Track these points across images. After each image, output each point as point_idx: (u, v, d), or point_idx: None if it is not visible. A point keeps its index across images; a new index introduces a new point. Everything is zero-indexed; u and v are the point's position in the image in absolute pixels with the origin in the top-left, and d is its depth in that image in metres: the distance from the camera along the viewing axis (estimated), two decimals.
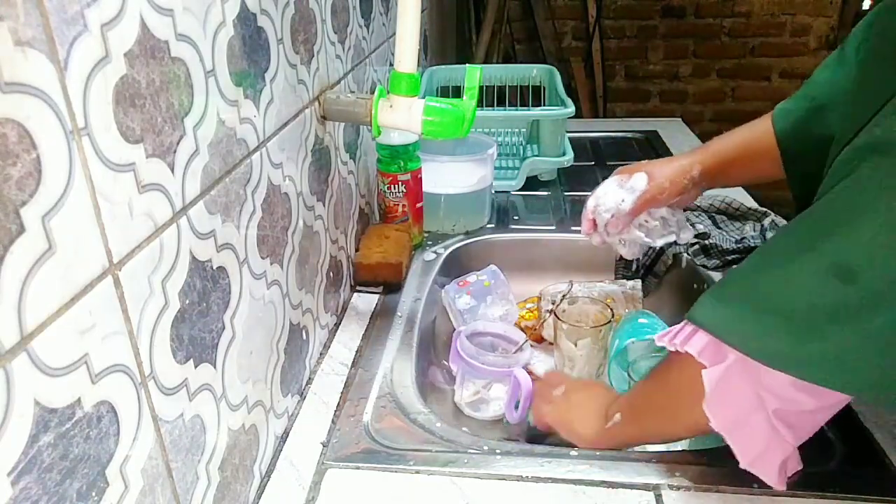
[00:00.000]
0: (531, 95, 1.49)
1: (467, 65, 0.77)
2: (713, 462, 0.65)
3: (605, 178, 0.88)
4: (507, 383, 0.81)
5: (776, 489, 0.58)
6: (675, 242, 0.89)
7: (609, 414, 0.69)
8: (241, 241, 0.59)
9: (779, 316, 0.51)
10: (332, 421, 0.72)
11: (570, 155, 1.28)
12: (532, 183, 1.30)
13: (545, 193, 1.29)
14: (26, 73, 0.33)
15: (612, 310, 0.89)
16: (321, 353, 0.83)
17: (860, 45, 0.66)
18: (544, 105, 1.45)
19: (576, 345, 0.86)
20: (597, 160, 1.46)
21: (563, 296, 0.90)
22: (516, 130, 1.38)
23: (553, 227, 1.14)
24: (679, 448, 0.80)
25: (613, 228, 0.84)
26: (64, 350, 0.36)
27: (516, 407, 0.80)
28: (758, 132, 0.80)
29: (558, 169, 1.32)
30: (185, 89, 0.48)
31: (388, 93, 0.75)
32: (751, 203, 1.11)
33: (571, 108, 1.25)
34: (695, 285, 0.99)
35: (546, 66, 1.51)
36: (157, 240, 0.45)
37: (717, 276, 0.97)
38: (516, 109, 1.38)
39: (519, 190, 1.28)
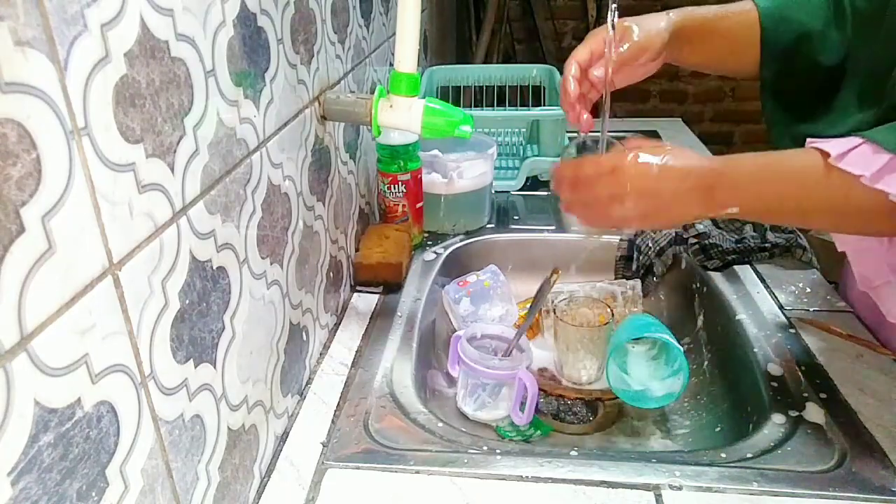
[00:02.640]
0: (531, 95, 1.49)
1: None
2: (713, 462, 0.65)
3: None
4: (511, 386, 0.81)
5: None
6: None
7: (718, 200, 0.62)
8: (241, 241, 0.59)
9: None
10: (332, 421, 0.72)
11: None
12: (532, 183, 1.30)
13: (545, 193, 1.29)
14: (26, 73, 0.33)
15: (611, 310, 0.89)
16: (321, 353, 0.83)
17: None
18: (544, 105, 1.45)
19: (576, 345, 0.86)
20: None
21: (565, 298, 0.91)
22: (516, 130, 1.38)
23: (553, 227, 1.14)
24: (679, 448, 0.81)
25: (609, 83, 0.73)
26: (64, 350, 0.36)
27: (522, 409, 0.80)
28: (734, 7, 0.79)
29: None
30: (185, 89, 0.48)
31: (388, 93, 0.76)
32: None
33: None
34: (695, 285, 0.99)
35: (546, 66, 1.51)
36: (157, 240, 0.45)
37: (717, 276, 0.97)
38: (516, 109, 1.38)
39: (519, 190, 1.29)
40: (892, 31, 0.66)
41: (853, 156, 0.58)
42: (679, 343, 0.96)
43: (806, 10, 0.75)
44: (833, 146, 0.59)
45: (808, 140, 0.62)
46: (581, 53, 0.75)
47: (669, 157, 0.63)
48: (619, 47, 0.73)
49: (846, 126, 0.66)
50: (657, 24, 0.75)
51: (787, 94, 0.77)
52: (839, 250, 0.78)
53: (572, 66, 0.74)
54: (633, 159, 0.64)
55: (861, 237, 0.74)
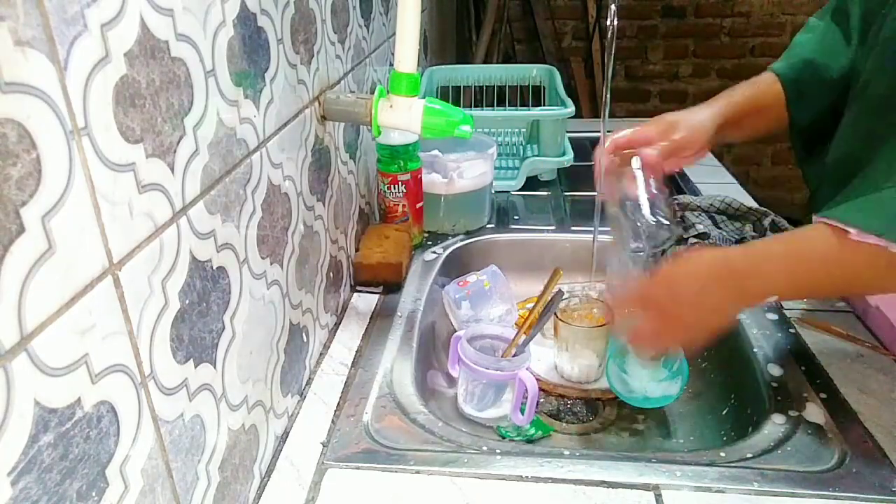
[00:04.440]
0: (531, 95, 1.49)
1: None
2: (713, 462, 0.65)
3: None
4: (512, 386, 0.81)
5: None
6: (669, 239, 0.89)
7: (751, 293, 0.64)
8: (241, 241, 0.59)
9: None
10: (332, 421, 0.72)
11: (570, 155, 1.28)
12: (532, 183, 1.30)
13: (545, 193, 1.29)
14: (26, 73, 0.33)
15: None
16: (321, 353, 0.83)
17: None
18: (544, 105, 1.45)
19: (576, 344, 0.86)
20: None
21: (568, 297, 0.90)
22: (516, 130, 1.38)
23: (553, 227, 1.14)
24: (679, 448, 0.81)
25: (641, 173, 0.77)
26: (64, 350, 0.36)
27: (522, 410, 0.80)
28: (761, 85, 0.86)
29: (558, 169, 1.32)
30: (184, 89, 0.48)
31: (388, 93, 0.75)
32: (751, 203, 1.11)
33: (571, 108, 1.25)
34: None
35: (546, 66, 1.51)
36: (157, 240, 0.45)
37: None
38: (516, 109, 1.37)
39: (519, 190, 1.29)
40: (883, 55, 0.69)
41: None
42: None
43: (824, 56, 0.81)
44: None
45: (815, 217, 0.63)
46: (621, 136, 0.80)
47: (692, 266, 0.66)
48: (661, 141, 0.79)
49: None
50: (701, 120, 0.81)
51: (817, 137, 0.83)
52: (872, 305, 0.80)
53: (609, 144, 0.79)
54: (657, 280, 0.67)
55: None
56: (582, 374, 0.88)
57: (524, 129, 1.34)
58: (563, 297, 0.88)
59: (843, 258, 0.60)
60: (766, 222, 1.04)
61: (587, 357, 0.87)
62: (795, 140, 0.86)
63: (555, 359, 0.91)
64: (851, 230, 0.58)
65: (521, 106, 1.43)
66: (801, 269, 0.63)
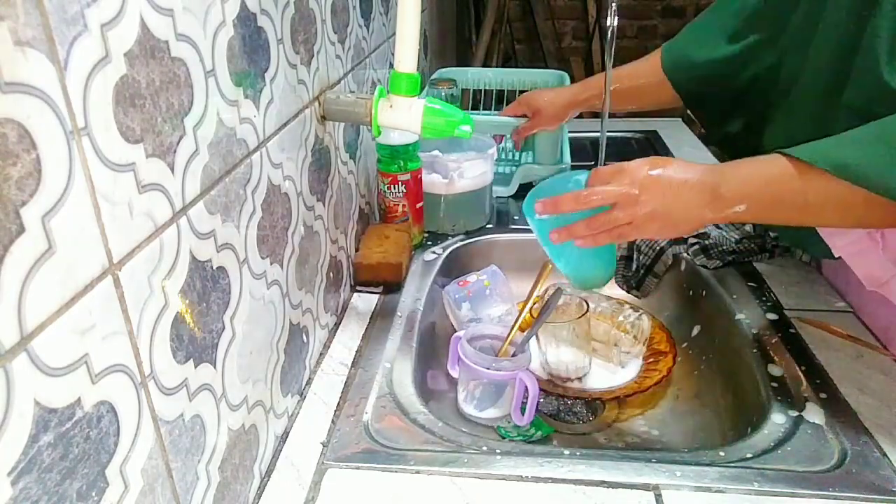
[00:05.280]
0: None
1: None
2: (713, 462, 0.65)
3: None
4: (512, 386, 0.81)
5: None
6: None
7: (725, 199, 0.64)
8: (241, 241, 0.59)
9: None
10: (332, 421, 0.72)
11: (567, 162, 1.26)
12: (530, 187, 1.29)
13: None
14: (26, 73, 0.33)
15: (586, 302, 0.89)
16: (321, 353, 0.83)
17: None
18: None
19: (558, 341, 0.87)
20: (596, 160, 1.46)
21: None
22: (510, 136, 1.37)
23: None
24: (679, 448, 0.81)
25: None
26: (64, 350, 0.36)
27: (522, 410, 0.80)
28: (641, 71, 1.02)
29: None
30: (185, 89, 0.48)
31: (388, 93, 0.76)
32: None
33: None
34: (695, 285, 0.99)
35: (558, 71, 1.49)
36: (157, 240, 0.45)
37: (717, 276, 0.97)
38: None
39: (518, 191, 1.28)
40: (825, 43, 0.73)
41: None
42: (679, 344, 0.96)
43: (707, 44, 0.92)
44: None
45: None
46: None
47: (673, 165, 0.67)
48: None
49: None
50: (560, 102, 1.10)
51: (711, 111, 0.97)
52: (836, 256, 0.79)
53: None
54: (638, 163, 0.67)
55: (854, 241, 0.76)
56: (570, 368, 0.88)
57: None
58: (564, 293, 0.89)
59: (797, 177, 0.62)
60: None
61: (573, 351, 0.87)
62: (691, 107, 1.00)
63: (540, 357, 0.91)
64: (796, 157, 0.62)
65: None
66: (774, 193, 0.64)
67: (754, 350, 0.81)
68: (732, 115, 0.92)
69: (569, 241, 0.70)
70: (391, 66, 0.75)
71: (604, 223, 0.67)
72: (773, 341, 0.82)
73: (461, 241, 1.11)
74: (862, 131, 0.61)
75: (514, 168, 1.31)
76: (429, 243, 1.10)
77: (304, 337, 0.77)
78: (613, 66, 0.75)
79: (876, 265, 0.76)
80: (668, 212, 0.66)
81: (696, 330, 0.96)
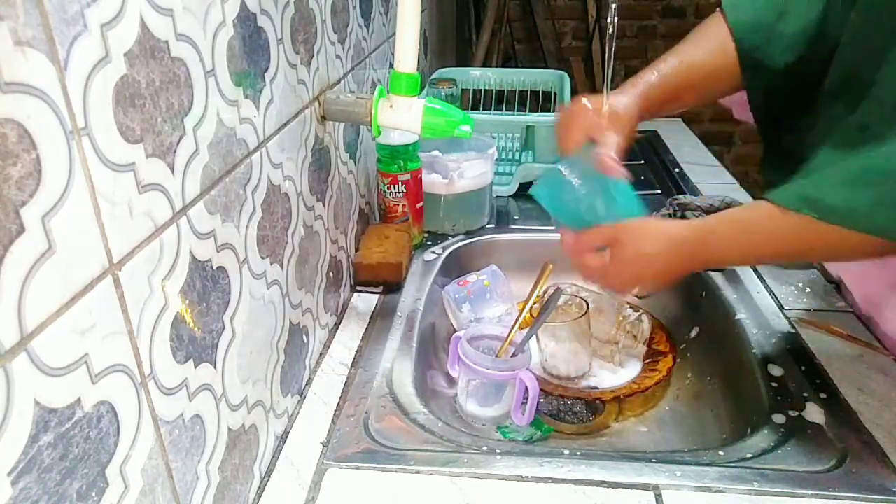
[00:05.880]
0: (541, 100, 1.48)
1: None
2: (713, 462, 0.65)
3: None
4: (512, 386, 0.81)
5: None
6: None
7: (707, 264, 0.69)
8: (241, 241, 0.59)
9: None
10: (332, 421, 0.72)
11: None
12: (527, 188, 1.29)
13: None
14: (26, 73, 0.33)
15: (586, 302, 0.89)
16: (321, 353, 0.83)
17: None
18: (554, 111, 1.44)
19: (555, 342, 0.87)
20: None
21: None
22: (510, 136, 1.37)
23: (553, 228, 1.14)
24: (679, 448, 0.81)
25: None
26: (64, 350, 0.36)
27: (523, 411, 0.79)
28: (704, 46, 0.78)
29: None
30: (184, 89, 0.48)
31: (388, 93, 0.76)
32: None
33: None
34: (694, 285, 0.99)
35: (558, 71, 1.49)
36: (157, 240, 0.45)
37: (717, 276, 0.97)
38: (512, 114, 1.37)
39: (518, 191, 1.28)
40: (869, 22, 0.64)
41: None
42: (679, 344, 0.96)
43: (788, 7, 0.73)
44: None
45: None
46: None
47: (648, 244, 0.68)
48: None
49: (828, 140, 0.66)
50: (625, 105, 0.74)
51: (776, 108, 0.77)
52: (835, 276, 0.80)
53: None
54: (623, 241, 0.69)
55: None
56: (571, 367, 0.88)
57: (518, 135, 1.33)
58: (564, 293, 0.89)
59: (778, 229, 0.63)
60: None
61: (574, 350, 0.88)
62: (757, 109, 0.78)
63: (540, 357, 0.91)
64: (783, 205, 0.61)
65: (529, 110, 1.42)
66: (747, 240, 0.66)
67: (754, 350, 0.81)
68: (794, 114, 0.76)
69: (576, 213, 0.73)
70: (391, 66, 0.75)
71: (582, 249, 0.72)
72: (773, 341, 0.82)
73: (461, 241, 1.11)
74: (843, 170, 0.59)
75: (514, 167, 1.32)
76: (429, 243, 1.10)
77: (304, 337, 0.77)
78: (613, 65, 0.74)
79: (872, 289, 0.76)
80: (647, 282, 0.71)
81: (696, 330, 0.96)
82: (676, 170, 1.37)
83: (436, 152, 1.11)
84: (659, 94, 0.76)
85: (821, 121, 0.70)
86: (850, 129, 0.62)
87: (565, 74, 1.44)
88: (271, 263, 0.66)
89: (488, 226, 1.15)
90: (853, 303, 0.86)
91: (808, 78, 0.71)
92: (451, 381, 0.88)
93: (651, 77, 0.76)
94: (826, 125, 0.68)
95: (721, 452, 0.67)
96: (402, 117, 0.75)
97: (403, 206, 1.04)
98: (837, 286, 0.94)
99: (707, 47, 0.78)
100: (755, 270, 0.98)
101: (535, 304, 0.85)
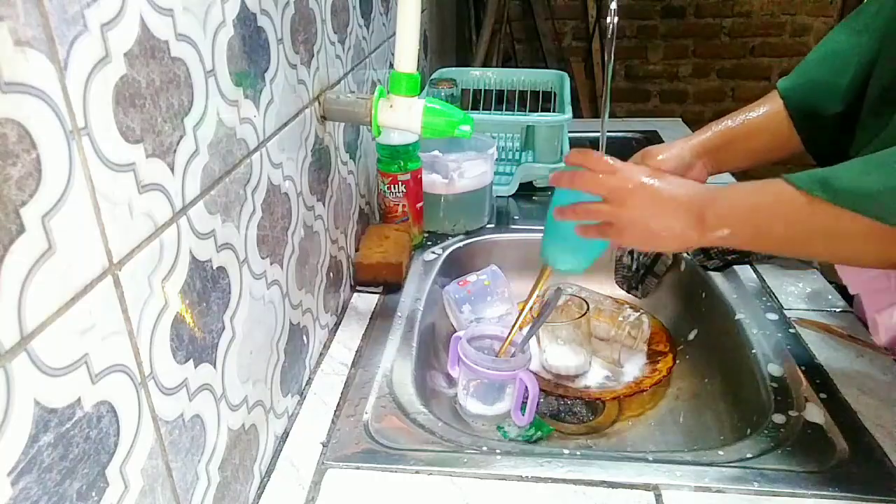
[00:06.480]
0: (541, 100, 1.48)
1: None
2: (713, 462, 0.65)
3: None
4: (512, 386, 0.81)
5: None
6: None
7: (709, 222, 0.63)
8: (241, 241, 0.59)
9: None
10: (332, 421, 0.72)
11: None
12: (530, 188, 1.30)
13: (546, 195, 1.28)
14: (26, 73, 0.33)
15: (586, 302, 0.89)
16: (321, 353, 0.83)
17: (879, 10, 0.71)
18: (554, 111, 1.44)
19: (557, 339, 0.87)
20: None
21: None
22: (511, 136, 1.37)
23: None
24: (679, 448, 0.81)
25: None
26: (64, 350, 0.36)
27: (523, 410, 0.79)
28: (758, 106, 0.80)
29: None
30: (185, 89, 0.48)
31: (388, 93, 0.76)
32: None
33: (566, 115, 1.24)
34: (695, 285, 0.99)
35: (558, 71, 1.49)
36: (157, 240, 0.45)
37: (717, 276, 0.97)
38: (512, 114, 1.37)
39: (518, 191, 1.28)
40: None
41: None
42: (679, 344, 0.96)
43: (829, 70, 0.76)
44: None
45: None
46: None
47: (667, 179, 0.66)
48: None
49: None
50: (677, 153, 0.77)
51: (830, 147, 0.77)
52: (852, 293, 0.79)
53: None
54: (636, 168, 0.67)
55: (870, 277, 0.75)
56: (570, 366, 0.89)
57: (518, 135, 1.33)
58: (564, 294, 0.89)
59: (788, 207, 0.60)
60: None
61: (573, 349, 0.88)
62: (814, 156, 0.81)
63: (540, 355, 0.91)
64: (793, 184, 0.59)
65: (529, 111, 1.42)
66: (757, 211, 0.63)
67: (754, 350, 0.81)
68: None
69: (560, 221, 0.71)
70: (391, 66, 0.75)
71: (588, 212, 0.68)
72: (773, 341, 0.82)
73: (461, 241, 1.11)
74: (863, 161, 0.59)
75: (514, 167, 1.32)
76: (429, 243, 1.10)
77: (304, 337, 0.77)
78: (613, 65, 0.74)
79: (887, 305, 0.76)
80: (648, 223, 0.65)
81: (695, 330, 0.96)
82: None
83: (436, 152, 1.11)
84: (714, 140, 0.79)
85: (859, 138, 0.71)
86: (884, 143, 0.61)
87: (565, 74, 1.44)
88: (271, 263, 0.66)
89: (488, 226, 1.15)
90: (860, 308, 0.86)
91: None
92: (451, 381, 0.88)
93: (705, 132, 0.80)
94: (863, 141, 0.69)
95: (721, 452, 0.67)
96: (402, 117, 0.75)
97: (403, 206, 1.04)
98: (836, 285, 0.94)
99: (754, 108, 0.81)
100: (755, 270, 0.98)
101: (535, 304, 0.85)
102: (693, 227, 0.64)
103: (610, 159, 0.68)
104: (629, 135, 1.62)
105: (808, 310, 0.89)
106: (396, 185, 1.02)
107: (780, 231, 0.62)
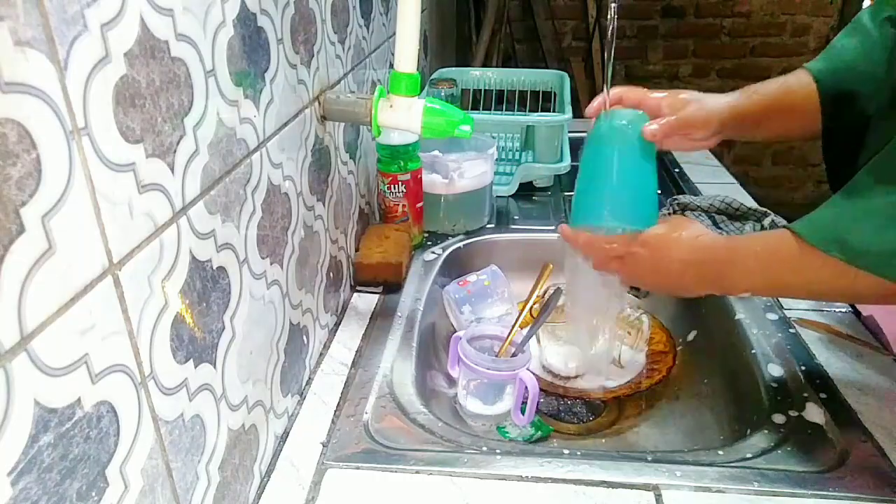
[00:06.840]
0: (541, 100, 1.48)
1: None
2: (713, 462, 0.65)
3: None
4: (512, 386, 0.81)
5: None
6: None
7: (726, 288, 0.67)
8: (241, 241, 0.59)
9: None
10: (332, 421, 0.72)
11: (567, 162, 1.25)
12: (530, 188, 1.30)
13: (546, 195, 1.28)
14: (26, 73, 0.33)
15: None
16: (321, 353, 0.83)
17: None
18: (554, 111, 1.44)
19: (557, 339, 0.87)
20: None
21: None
22: (511, 136, 1.37)
23: (553, 228, 1.14)
24: (679, 448, 0.81)
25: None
26: (64, 350, 0.36)
27: (523, 410, 0.79)
28: (792, 84, 0.78)
29: (558, 175, 1.30)
30: (185, 89, 0.48)
31: (388, 93, 0.76)
32: (751, 203, 1.11)
33: (566, 115, 1.24)
34: None
35: (558, 71, 1.49)
36: (157, 240, 0.45)
37: None
38: (512, 114, 1.37)
39: (518, 191, 1.28)
40: None
41: None
42: (679, 344, 0.96)
43: (862, 60, 0.74)
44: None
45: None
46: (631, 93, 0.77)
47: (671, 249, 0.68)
48: (670, 114, 0.73)
49: None
50: (716, 104, 0.75)
51: (847, 145, 0.76)
52: (865, 315, 0.80)
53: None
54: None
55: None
56: (569, 365, 0.88)
57: (518, 135, 1.33)
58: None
59: (805, 267, 0.61)
60: (766, 222, 1.04)
61: (572, 352, 0.88)
62: (827, 151, 0.80)
63: (539, 354, 0.91)
64: (807, 241, 0.59)
65: (529, 111, 1.42)
66: (773, 271, 0.64)
67: (754, 350, 0.81)
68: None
69: (602, 191, 0.71)
70: (391, 66, 0.75)
71: (601, 262, 0.72)
72: (773, 341, 0.82)
73: (461, 241, 1.11)
74: (874, 205, 0.57)
75: (514, 167, 1.32)
76: (429, 243, 1.10)
77: (304, 337, 0.77)
78: (613, 65, 0.74)
79: None
80: (659, 285, 0.72)
81: (695, 330, 0.96)
82: (676, 170, 1.37)
83: (436, 152, 1.11)
84: (751, 108, 0.77)
85: (869, 142, 0.70)
86: (893, 149, 0.60)
87: (565, 74, 1.44)
88: (271, 263, 0.66)
89: (488, 226, 1.15)
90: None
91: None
92: (451, 381, 0.88)
93: (744, 92, 0.78)
94: (874, 146, 0.67)
95: (721, 452, 0.67)
96: (402, 117, 0.75)
97: (403, 206, 1.04)
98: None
99: (790, 86, 0.79)
100: None
101: (535, 304, 0.85)
102: (710, 289, 0.69)
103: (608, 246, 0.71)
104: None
105: (808, 310, 0.89)
106: (396, 185, 1.02)
107: (801, 292, 0.69)
